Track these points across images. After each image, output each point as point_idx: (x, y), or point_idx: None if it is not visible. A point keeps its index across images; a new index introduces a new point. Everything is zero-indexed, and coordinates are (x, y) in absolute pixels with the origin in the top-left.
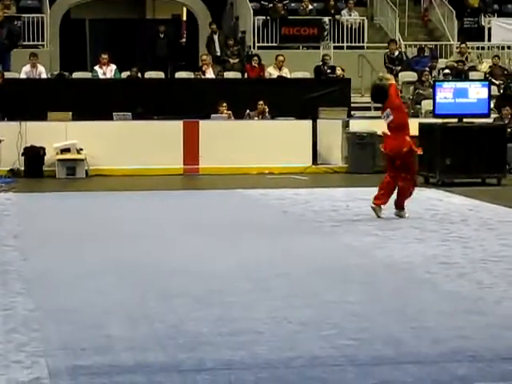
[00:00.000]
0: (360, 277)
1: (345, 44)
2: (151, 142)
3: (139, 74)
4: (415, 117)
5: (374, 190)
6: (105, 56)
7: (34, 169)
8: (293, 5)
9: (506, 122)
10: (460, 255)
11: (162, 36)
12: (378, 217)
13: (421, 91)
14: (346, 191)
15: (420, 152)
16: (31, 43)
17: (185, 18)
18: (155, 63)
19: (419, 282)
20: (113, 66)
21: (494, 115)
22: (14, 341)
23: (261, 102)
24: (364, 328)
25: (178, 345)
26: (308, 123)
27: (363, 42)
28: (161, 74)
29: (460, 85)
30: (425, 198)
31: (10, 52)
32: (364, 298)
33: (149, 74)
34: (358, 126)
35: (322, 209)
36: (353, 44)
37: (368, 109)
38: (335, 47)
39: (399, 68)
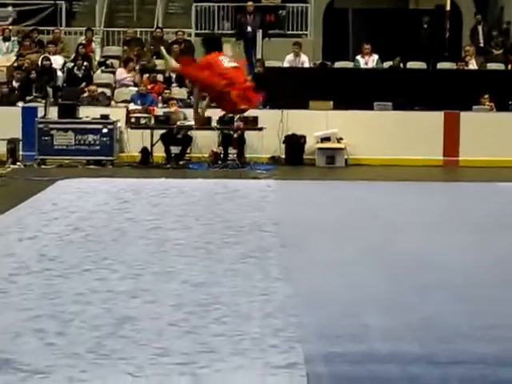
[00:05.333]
0: None
1: None
2: (410, 133)
3: (401, 65)
4: None
5: None
6: (367, 46)
7: (294, 157)
8: None
9: None
10: None
11: (425, 26)
12: None
13: None
14: None
15: None
16: (295, 32)
17: (448, 8)
18: (418, 53)
19: None
20: (375, 56)
21: None
22: (271, 325)
23: None
24: None
25: (433, 337)
26: None
27: None
28: (423, 65)
29: None
30: None
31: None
32: None
33: (411, 65)
34: None
35: None
36: None
37: None
38: None
39: None
